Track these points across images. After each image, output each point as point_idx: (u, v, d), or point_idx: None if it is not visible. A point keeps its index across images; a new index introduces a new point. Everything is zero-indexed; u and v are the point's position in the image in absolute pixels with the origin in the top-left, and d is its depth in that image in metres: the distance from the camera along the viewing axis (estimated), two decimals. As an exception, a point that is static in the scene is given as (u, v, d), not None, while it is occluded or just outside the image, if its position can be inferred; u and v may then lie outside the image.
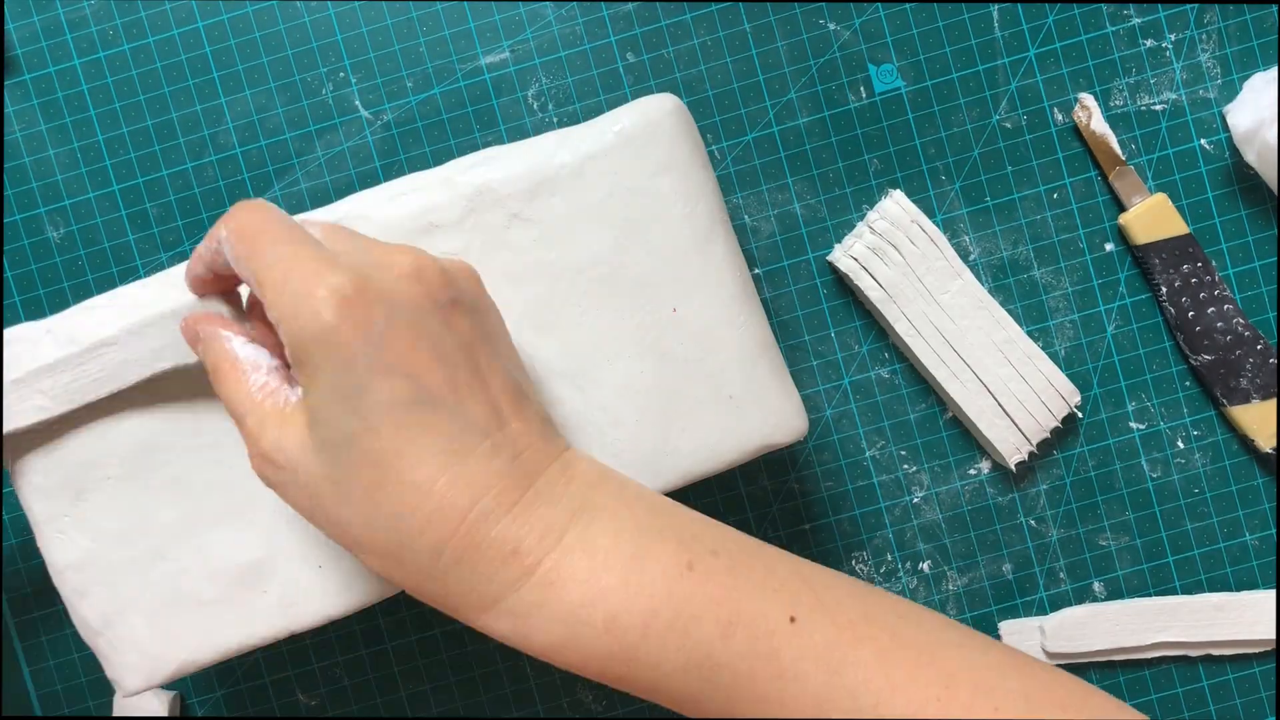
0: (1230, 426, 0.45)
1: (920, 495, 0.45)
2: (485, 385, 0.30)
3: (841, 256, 0.44)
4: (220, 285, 0.33)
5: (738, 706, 0.29)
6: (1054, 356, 0.45)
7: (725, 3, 0.44)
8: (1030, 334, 0.45)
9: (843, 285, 0.45)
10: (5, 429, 0.36)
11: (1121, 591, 0.45)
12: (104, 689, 0.45)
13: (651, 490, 0.33)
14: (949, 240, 0.44)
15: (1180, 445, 0.45)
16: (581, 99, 0.44)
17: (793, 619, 0.29)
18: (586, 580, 0.29)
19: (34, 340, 0.37)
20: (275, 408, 0.30)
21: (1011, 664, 0.31)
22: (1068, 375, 0.45)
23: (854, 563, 0.45)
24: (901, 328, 0.43)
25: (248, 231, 0.30)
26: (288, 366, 0.31)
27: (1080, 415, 0.45)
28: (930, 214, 0.45)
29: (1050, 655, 0.45)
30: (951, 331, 0.43)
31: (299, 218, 0.35)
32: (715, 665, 0.29)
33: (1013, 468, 0.44)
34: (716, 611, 0.29)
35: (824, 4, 0.44)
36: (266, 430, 0.30)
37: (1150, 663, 0.45)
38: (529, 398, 0.32)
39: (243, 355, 0.31)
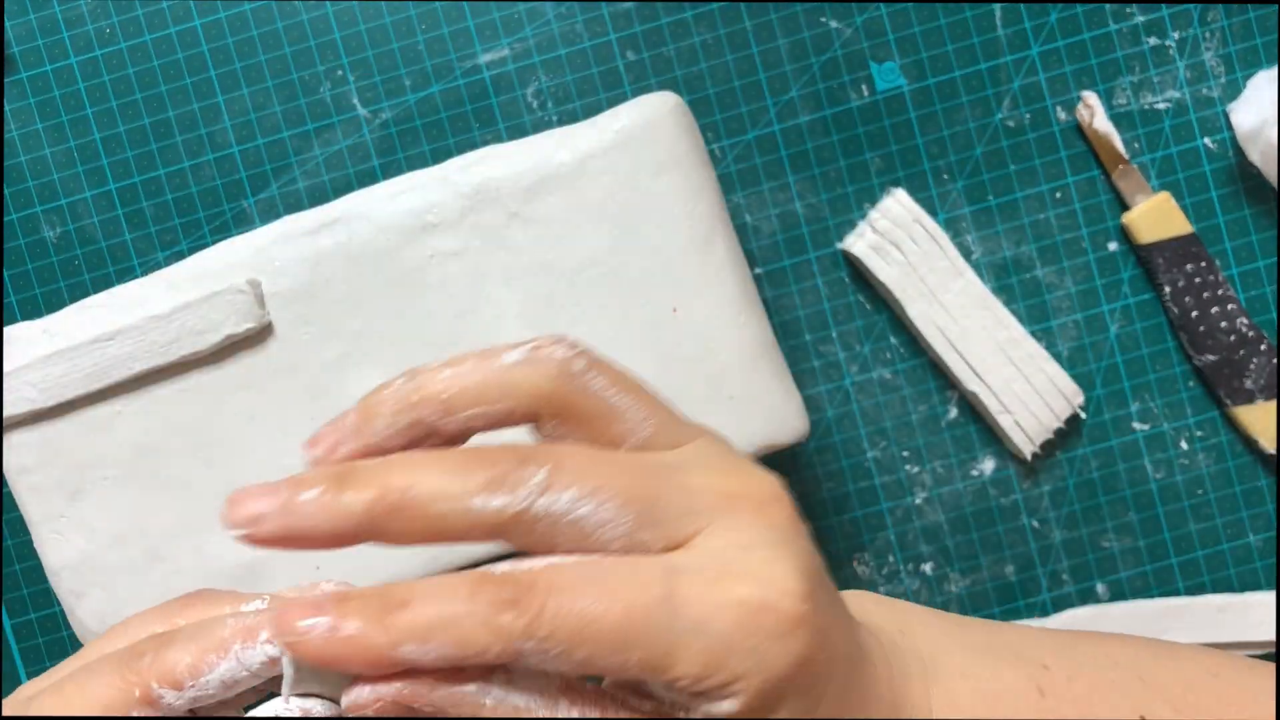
0: (1234, 427, 0.45)
1: (922, 496, 0.45)
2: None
3: (855, 241, 0.43)
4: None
5: None
6: (1057, 356, 0.45)
7: (726, 1, 0.44)
8: (1033, 334, 0.45)
9: (845, 285, 0.45)
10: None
11: (1125, 593, 0.45)
12: (101, 691, 0.45)
13: (961, 617, 0.31)
14: (951, 239, 0.44)
15: (1184, 446, 0.45)
16: (581, 97, 0.44)
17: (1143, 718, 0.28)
18: None
19: (30, 340, 0.36)
20: None
21: None
22: (1071, 375, 0.44)
23: (856, 564, 0.45)
24: (916, 308, 0.43)
25: (579, 636, 0.20)
26: None
27: (1083, 416, 0.45)
28: (932, 213, 0.44)
29: (1053, 657, 0.44)
30: (954, 331, 0.43)
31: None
32: None
33: (1028, 457, 0.44)
34: None
35: (826, 2, 0.44)
36: None
37: (1153, 664, 0.45)
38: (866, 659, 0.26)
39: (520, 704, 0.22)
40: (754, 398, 0.37)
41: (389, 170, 0.44)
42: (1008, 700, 0.28)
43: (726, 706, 0.21)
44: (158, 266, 0.43)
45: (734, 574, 0.21)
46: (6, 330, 0.37)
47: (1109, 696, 0.29)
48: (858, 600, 0.29)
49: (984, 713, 0.27)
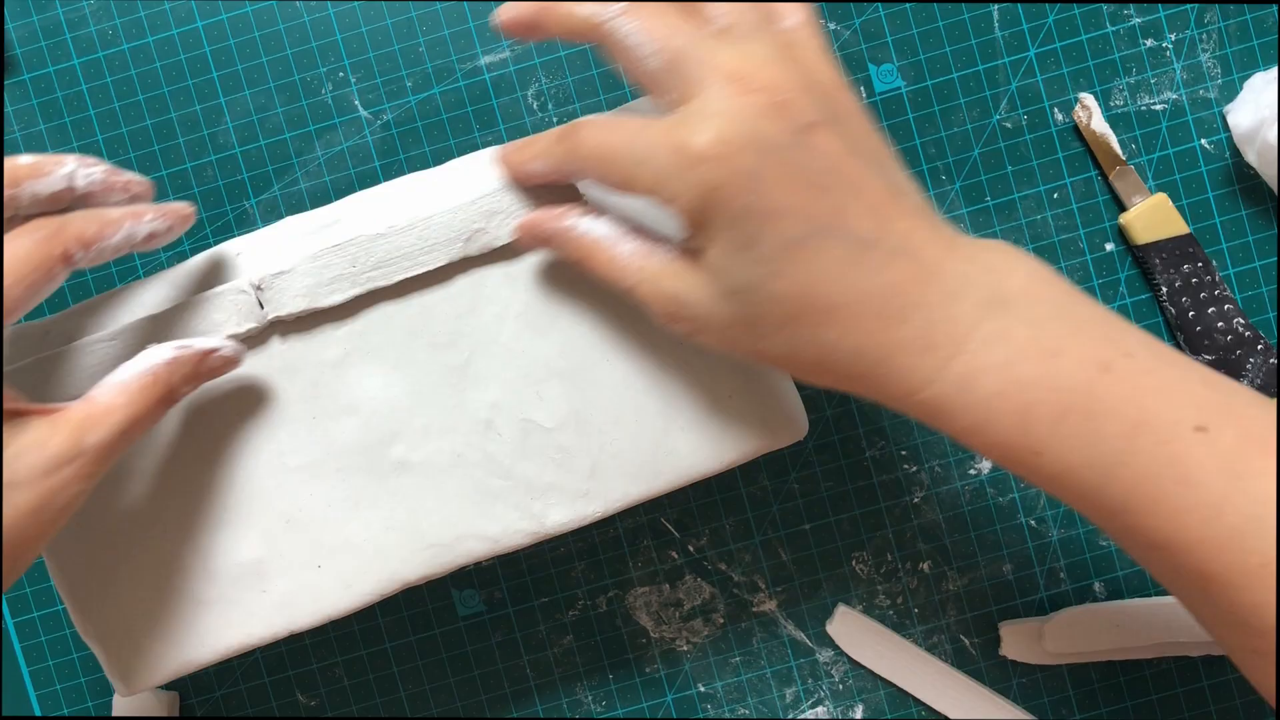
0: (1230, 426, 0.45)
1: (920, 495, 0.45)
2: (861, 196, 0.31)
3: None
4: (552, 182, 0.35)
5: (1133, 505, 0.29)
6: (1054, 356, 0.45)
7: (725, 2, 0.44)
8: (1030, 334, 0.45)
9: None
10: None
11: (1122, 592, 0.45)
12: (104, 689, 0.45)
13: (1060, 277, 0.32)
14: (949, 240, 0.44)
15: (1180, 445, 0.45)
16: (581, 99, 0.44)
17: (1200, 428, 0.29)
18: (1002, 371, 0.30)
19: (34, 340, 0.37)
20: (660, 266, 0.33)
21: None
22: (1068, 375, 0.45)
23: (854, 563, 0.45)
24: None
25: (596, 154, 0.32)
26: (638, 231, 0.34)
27: (1080, 415, 0.45)
28: (930, 214, 0.45)
29: (1050, 655, 0.44)
30: (952, 331, 0.43)
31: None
32: (1118, 463, 0.29)
33: None
34: (1126, 411, 0.29)
35: (824, 4, 0.44)
36: (663, 288, 0.32)
37: (1150, 663, 0.45)
38: (906, 192, 0.32)
39: (601, 234, 0.33)
40: (753, 397, 0.37)
41: (390, 171, 0.44)
42: (1062, 363, 0.30)
43: (677, 226, 0.32)
44: (160, 267, 0.44)
45: (686, 126, 0.30)
46: (9, 331, 0.37)
47: (1179, 400, 0.30)
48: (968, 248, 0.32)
49: (1026, 361, 0.30)
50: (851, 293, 0.30)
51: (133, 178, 0.34)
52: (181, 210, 0.34)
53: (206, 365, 0.34)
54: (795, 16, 0.33)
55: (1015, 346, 0.30)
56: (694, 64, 0.31)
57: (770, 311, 0.31)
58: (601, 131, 0.32)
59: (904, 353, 0.30)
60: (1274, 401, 0.31)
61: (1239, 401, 0.30)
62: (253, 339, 0.37)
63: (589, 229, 0.34)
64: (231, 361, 0.35)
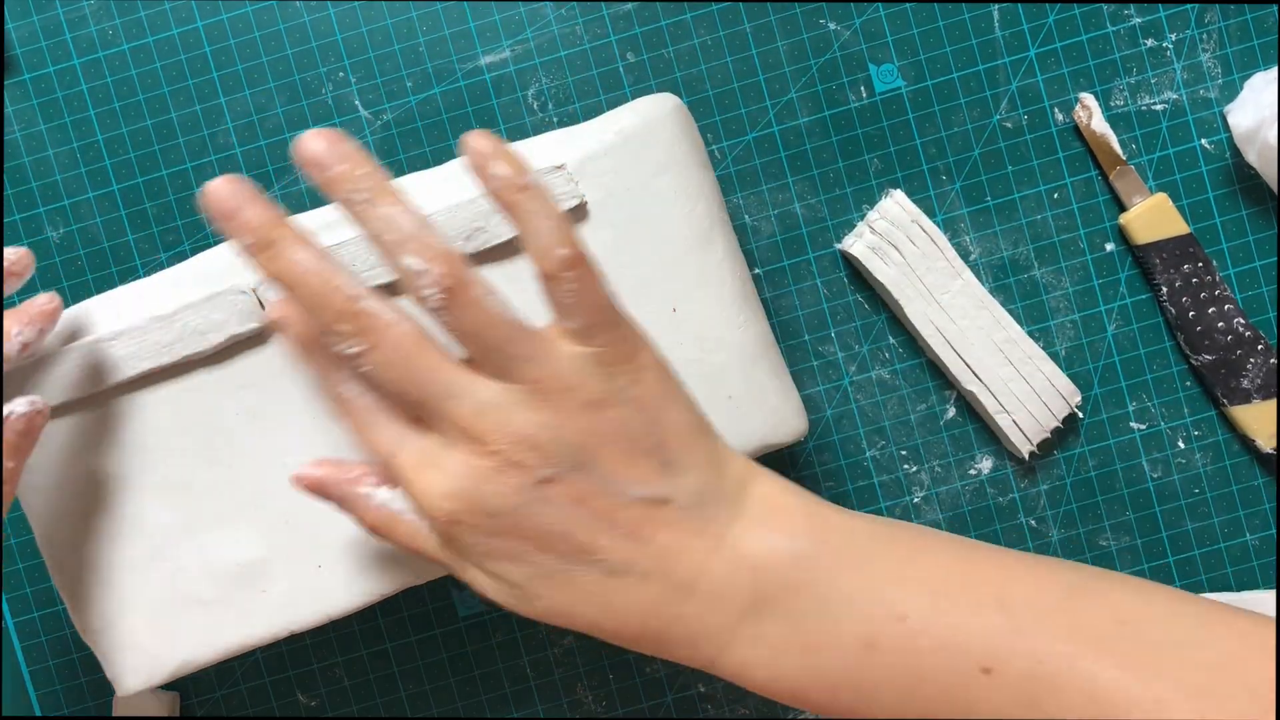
0: (1231, 426, 0.45)
1: (921, 495, 0.45)
2: (615, 524, 0.30)
3: (854, 242, 0.43)
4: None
5: None
6: (1054, 356, 0.45)
7: (725, 2, 0.44)
8: (1031, 334, 0.45)
9: (843, 286, 0.45)
10: None
11: (1122, 592, 0.45)
12: (104, 689, 0.45)
13: (830, 544, 0.31)
14: (949, 240, 0.44)
15: (1181, 445, 0.45)
16: (581, 99, 0.44)
17: (987, 670, 0.29)
18: (766, 668, 0.31)
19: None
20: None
21: (1250, 654, 0.28)
22: (1068, 375, 0.45)
23: (854, 563, 0.45)
24: (914, 309, 0.43)
25: (361, 430, 0.33)
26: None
27: (1081, 415, 0.45)
28: (931, 214, 0.45)
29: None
30: (952, 332, 0.43)
31: None
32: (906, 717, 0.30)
33: (1026, 456, 0.44)
34: (901, 682, 0.29)
35: (824, 4, 0.44)
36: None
37: (1151, 663, 0.45)
38: (669, 499, 0.31)
39: (399, 508, 0.33)
40: (753, 397, 0.37)
41: (390, 171, 0.44)
42: (823, 657, 0.30)
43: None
44: (160, 267, 0.44)
45: (425, 471, 0.31)
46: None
47: (958, 648, 0.29)
48: (768, 496, 0.32)
49: (788, 656, 0.30)
50: (609, 613, 0.31)
51: (8, 257, 0.33)
52: (45, 308, 0.33)
53: (12, 433, 0.32)
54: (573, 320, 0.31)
55: (775, 647, 0.30)
56: (434, 404, 0.30)
57: (541, 615, 0.32)
58: (370, 411, 0.32)
59: (674, 650, 0.31)
60: (1084, 582, 0.31)
61: (1034, 615, 0.29)
62: (253, 339, 0.37)
63: (387, 501, 0.33)
64: (34, 416, 0.33)
